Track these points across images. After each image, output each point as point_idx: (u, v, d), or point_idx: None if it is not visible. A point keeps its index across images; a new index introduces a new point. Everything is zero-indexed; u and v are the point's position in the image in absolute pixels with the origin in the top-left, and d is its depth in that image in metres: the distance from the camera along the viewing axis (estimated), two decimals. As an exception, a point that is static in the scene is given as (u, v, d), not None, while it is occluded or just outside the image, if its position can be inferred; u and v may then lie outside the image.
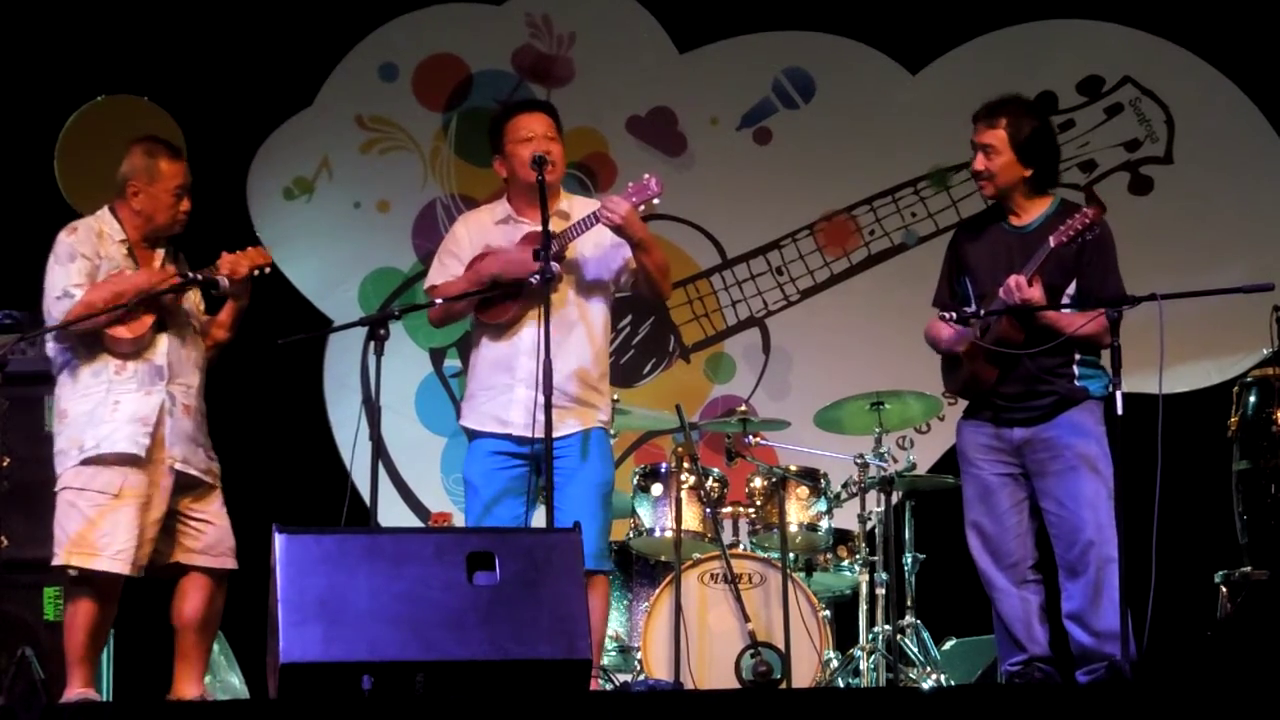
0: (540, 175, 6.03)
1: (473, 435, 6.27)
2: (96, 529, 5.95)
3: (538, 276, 5.91)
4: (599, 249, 6.22)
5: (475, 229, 6.34)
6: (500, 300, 6.17)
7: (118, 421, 6.00)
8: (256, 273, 6.22)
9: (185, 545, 6.10)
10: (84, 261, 6.11)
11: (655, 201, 6.11)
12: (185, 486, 6.10)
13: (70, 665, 6.01)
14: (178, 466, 6.06)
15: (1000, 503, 6.09)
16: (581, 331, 6.19)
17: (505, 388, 6.14)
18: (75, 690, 5.98)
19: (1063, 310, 5.95)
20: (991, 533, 6.10)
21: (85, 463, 6.01)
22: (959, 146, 6.32)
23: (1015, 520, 6.09)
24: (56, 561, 6.01)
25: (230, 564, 6.15)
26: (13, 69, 8.67)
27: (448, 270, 6.30)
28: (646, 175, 6.13)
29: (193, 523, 6.12)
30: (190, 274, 6.16)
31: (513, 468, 6.15)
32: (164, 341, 6.11)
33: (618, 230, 6.06)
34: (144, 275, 6.11)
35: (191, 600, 6.10)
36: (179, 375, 6.13)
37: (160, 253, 6.24)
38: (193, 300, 6.27)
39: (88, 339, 6.06)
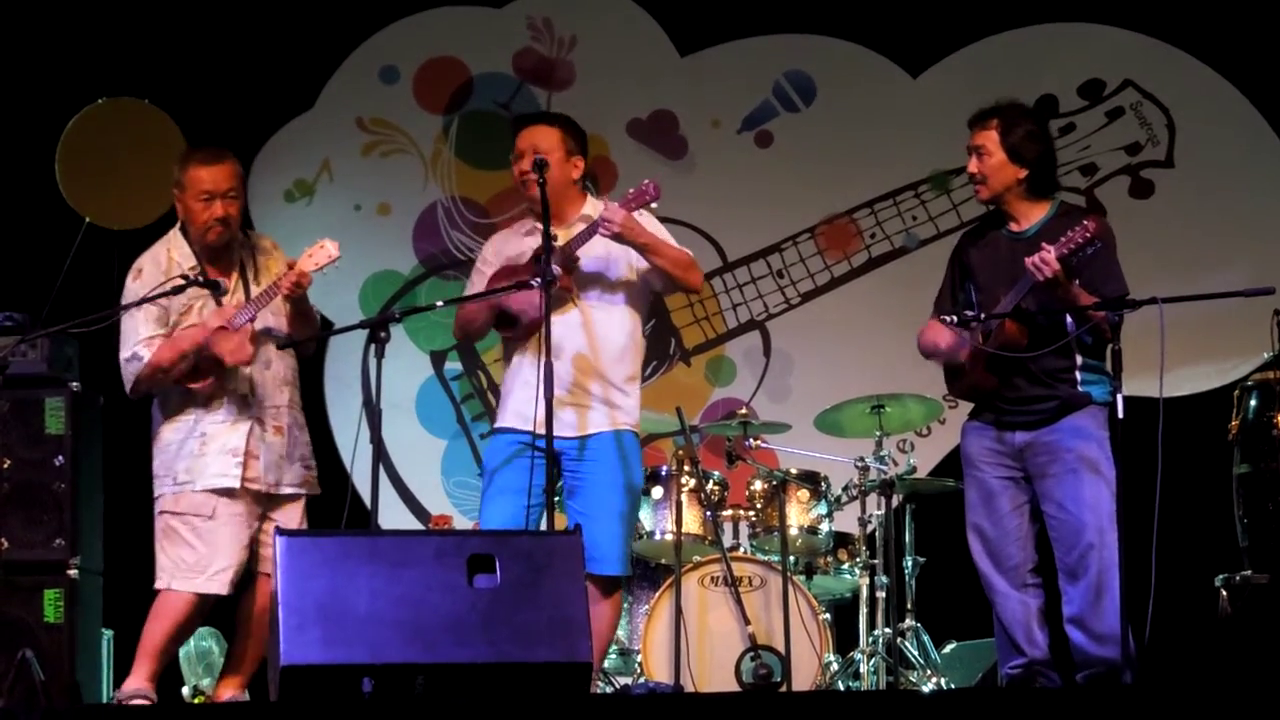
0: (542, 182, 6.04)
1: (496, 431, 6.26)
2: (195, 552, 6.01)
3: (538, 280, 5.92)
4: (614, 251, 6.22)
5: (502, 244, 6.38)
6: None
7: (208, 455, 6.03)
8: (324, 270, 6.05)
9: (265, 555, 6.07)
10: (151, 309, 6.05)
11: (653, 205, 6.12)
12: (274, 500, 6.13)
13: (141, 657, 6.03)
14: (270, 490, 6.09)
15: (1001, 506, 6.09)
16: (588, 333, 6.17)
17: (530, 386, 6.12)
18: (138, 683, 5.99)
19: (1072, 290, 5.88)
20: (992, 536, 6.09)
21: (180, 492, 6.05)
22: (960, 150, 6.30)
23: (1016, 524, 6.08)
24: (159, 585, 6.06)
25: None
26: (14, 71, 8.67)
27: (474, 287, 6.34)
28: (645, 181, 6.14)
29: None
30: (189, 276, 6.05)
31: (529, 457, 6.10)
32: (246, 369, 6.07)
33: (617, 238, 6.07)
34: (199, 330, 6.01)
35: (261, 602, 6.08)
36: (266, 399, 6.12)
37: (234, 276, 6.13)
38: (278, 308, 6.13)
39: None
